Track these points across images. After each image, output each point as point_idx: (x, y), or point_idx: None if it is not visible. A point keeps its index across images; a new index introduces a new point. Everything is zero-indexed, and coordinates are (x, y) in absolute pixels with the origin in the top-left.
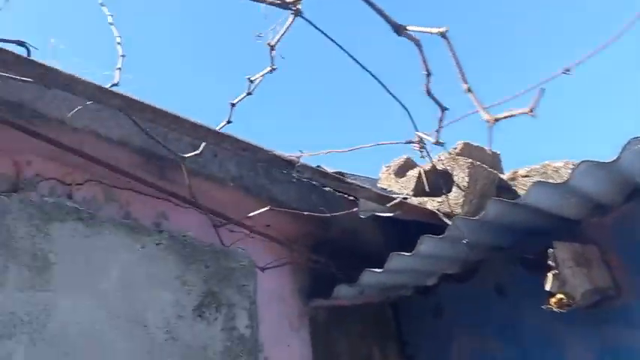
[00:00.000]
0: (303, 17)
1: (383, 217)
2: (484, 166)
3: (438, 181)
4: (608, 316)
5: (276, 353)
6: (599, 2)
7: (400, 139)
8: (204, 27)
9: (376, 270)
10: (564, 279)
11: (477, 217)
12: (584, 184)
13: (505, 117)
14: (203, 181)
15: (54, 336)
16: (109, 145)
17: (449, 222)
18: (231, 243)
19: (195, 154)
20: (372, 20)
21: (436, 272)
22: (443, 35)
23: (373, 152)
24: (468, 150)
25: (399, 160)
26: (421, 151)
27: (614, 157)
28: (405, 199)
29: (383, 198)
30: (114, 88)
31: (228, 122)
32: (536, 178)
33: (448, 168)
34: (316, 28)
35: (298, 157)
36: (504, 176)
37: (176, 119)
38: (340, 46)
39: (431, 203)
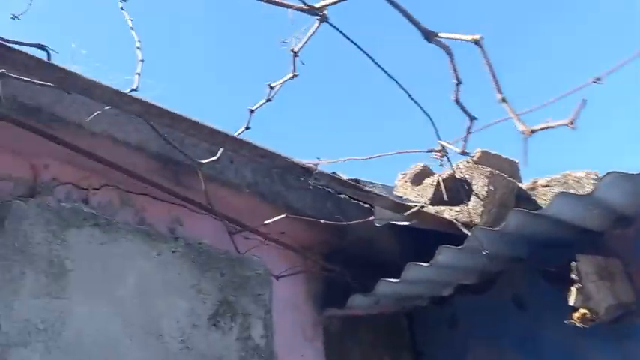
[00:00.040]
0: (328, 22)
1: (399, 225)
2: (503, 175)
3: (456, 190)
4: (629, 332)
5: None
6: (631, 10)
7: (418, 147)
8: (225, 32)
9: (392, 280)
10: (588, 293)
11: (497, 228)
12: (609, 196)
13: (542, 129)
14: (219, 187)
15: (69, 344)
16: (127, 149)
17: (468, 232)
18: (246, 250)
19: (213, 161)
20: (395, 25)
21: (452, 282)
22: (477, 43)
23: (389, 159)
24: (485, 158)
25: (415, 168)
26: (441, 160)
27: None
28: (422, 207)
29: (400, 207)
30: (133, 93)
31: (247, 128)
32: (556, 189)
33: (467, 177)
34: (342, 33)
35: (316, 165)
36: (524, 186)
37: (194, 125)
38: (365, 52)
39: (448, 212)
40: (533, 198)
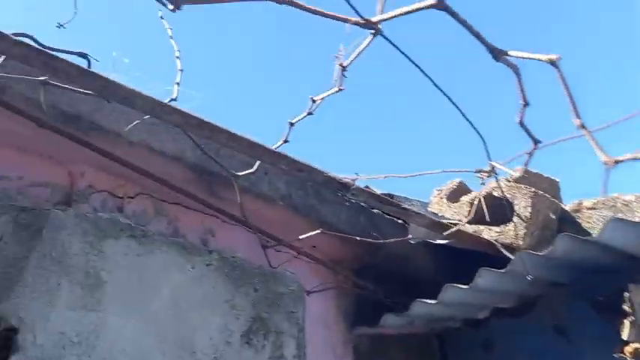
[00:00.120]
0: (383, 36)
1: (434, 243)
2: (547, 195)
3: (496, 210)
4: None
5: None
6: None
7: (453, 162)
8: (268, 44)
9: (428, 301)
10: None
11: (544, 253)
12: None
13: (629, 159)
14: (252, 198)
15: (102, 359)
16: (162, 159)
17: (510, 255)
18: (279, 265)
19: (250, 173)
20: (451, 40)
21: (489, 306)
22: (553, 63)
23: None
24: (525, 176)
25: (451, 184)
26: (483, 179)
27: None
28: (460, 226)
29: (438, 225)
30: (172, 103)
31: (285, 142)
32: (603, 212)
33: (509, 196)
34: (396, 48)
35: (353, 180)
36: (567, 207)
37: (233, 137)
38: (420, 68)
39: (487, 232)
40: (578, 220)
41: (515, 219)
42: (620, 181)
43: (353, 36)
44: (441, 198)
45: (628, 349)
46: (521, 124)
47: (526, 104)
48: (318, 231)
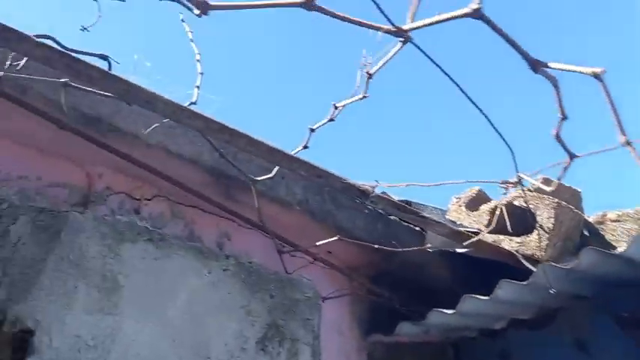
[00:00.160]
0: (413, 44)
1: (450, 251)
2: (570, 207)
3: (517, 219)
4: None
5: None
6: None
7: (471, 171)
8: (290, 48)
9: (445, 311)
10: None
11: (568, 267)
12: None
13: None
14: (268, 203)
15: None
16: (180, 162)
17: (531, 266)
18: (294, 270)
19: (268, 178)
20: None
21: (507, 317)
22: (597, 77)
23: (439, 180)
24: (547, 185)
25: (470, 192)
26: (506, 190)
27: None
28: (478, 235)
29: (458, 235)
30: (192, 107)
31: (305, 147)
32: (628, 224)
33: (531, 206)
34: (427, 56)
35: (373, 187)
36: (590, 218)
37: (252, 142)
38: (450, 77)
39: (508, 243)
40: (602, 233)
41: (537, 230)
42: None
43: (375, 41)
44: (460, 206)
45: None
46: (558, 137)
47: (564, 117)
48: (335, 238)
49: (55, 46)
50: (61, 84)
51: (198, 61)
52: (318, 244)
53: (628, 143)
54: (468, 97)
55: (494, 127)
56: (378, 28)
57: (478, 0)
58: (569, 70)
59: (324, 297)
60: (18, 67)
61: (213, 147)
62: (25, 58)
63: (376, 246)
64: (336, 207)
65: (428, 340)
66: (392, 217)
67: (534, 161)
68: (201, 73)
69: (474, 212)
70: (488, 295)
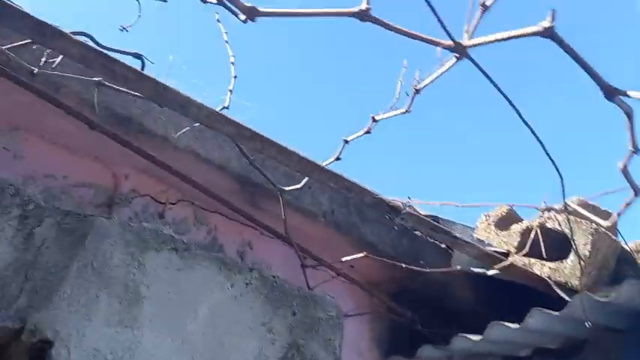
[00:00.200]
0: (472, 61)
1: (477, 272)
2: (608, 233)
3: (550, 243)
4: None
5: None
6: None
7: (502, 191)
8: (333, 56)
9: (471, 337)
10: None
11: (607, 300)
12: None
13: None
14: (293, 212)
15: None
16: (208, 167)
17: (564, 295)
18: (316, 285)
19: (296, 189)
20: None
21: (534, 345)
22: None
23: (467, 198)
24: (582, 209)
25: (499, 211)
26: (545, 213)
27: None
28: (510, 258)
29: (489, 258)
30: (224, 111)
31: (337, 159)
32: None
33: (567, 231)
34: (484, 74)
35: (405, 204)
36: (628, 246)
37: (283, 151)
38: (507, 97)
39: (539, 267)
40: (638, 262)
41: (572, 256)
42: None
43: (419, 53)
44: (489, 224)
45: None
46: (625, 170)
47: (635, 151)
48: (362, 254)
49: (90, 43)
50: (95, 83)
51: (232, 64)
52: (343, 259)
53: None
54: (522, 119)
55: (545, 151)
56: (437, 43)
57: (550, 18)
58: None
59: (346, 314)
60: (54, 65)
61: (243, 154)
62: (61, 56)
63: (403, 265)
64: (362, 220)
65: None
66: (418, 233)
67: (578, 184)
68: (235, 77)
69: (504, 232)
70: (515, 321)
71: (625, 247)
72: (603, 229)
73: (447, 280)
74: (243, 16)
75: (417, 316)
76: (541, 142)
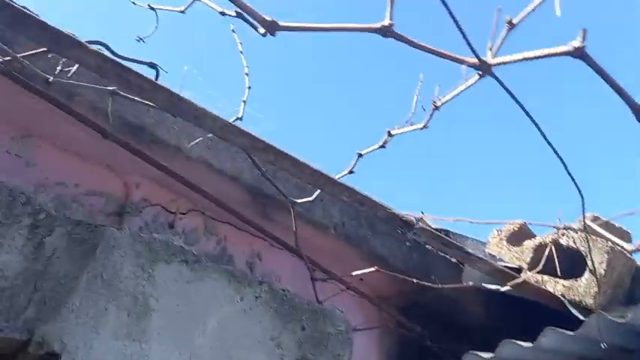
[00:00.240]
0: (496, 79)
1: (489, 288)
2: (624, 251)
3: (564, 260)
4: None
5: None
6: None
7: (515, 207)
8: (350, 68)
9: (483, 355)
10: None
11: (624, 321)
12: None
13: None
14: (304, 224)
15: None
16: (219, 177)
17: (579, 314)
18: (325, 299)
19: (308, 201)
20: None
21: None
22: None
23: (479, 213)
24: (601, 228)
25: (512, 226)
26: (563, 232)
27: None
28: (522, 274)
29: (502, 274)
30: (238, 122)
31: (350, 172)
32: None
33: (582, 249)
34: (510, 94)
35: (418, 219)
36: None
37: (296, 163)
38: (531, 117)
39: (553, 285)
40: None
41: (587, 274)
42: None
43: (436, 69)
44: (501, 239)
45: None
46: None
47: None
48: (373, 269)
49: (106, 52)
50: (109, 92)
51: (246, 74)
52: (354, 273)
53: None
54: (546, 139)
55: (567, 171)
56: (462, 61)
57: (580, 38)
58: None
59: (355, 328)
60: (69, 75)
61: (255, 166)
62: (77, 65)
63: (415, 280)
64: (372, 232)
65: None
66: (429, 247)
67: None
68: (249, 88)
69: (516, 247)
70: (527, 338)
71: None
72: (620, 248)
73: (457, 295)
74: (262, 30)
75: (427, 331)
76: (563, 162)
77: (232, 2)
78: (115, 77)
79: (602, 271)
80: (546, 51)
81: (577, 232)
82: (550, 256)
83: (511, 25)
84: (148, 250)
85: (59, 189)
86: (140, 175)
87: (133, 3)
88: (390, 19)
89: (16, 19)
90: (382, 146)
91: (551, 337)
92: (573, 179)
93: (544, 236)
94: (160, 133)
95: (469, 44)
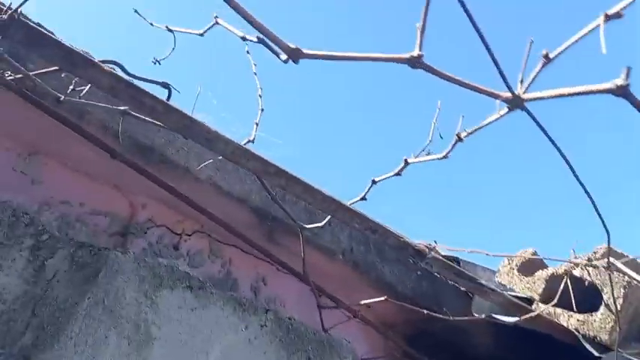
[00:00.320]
0: (529, 114)
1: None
2: None
3: (577, 293)
4: None
5: None
6: None
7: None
8: (366, 95)
9: None
10: None
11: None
12: None
13: None
14: (311, 249)
15: None
16: (227, 199)
17: (594, 351)
18: (331, 327)
19: (318, 227)
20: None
21: None
22: None
23: (490, 239)
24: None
25: (523, 255)
26: (577, 267)
27: None
28: (534, 306)
29: (515, 307)
30: (250, 145)
31: (362, 199)
32: None
33: (597, 282)
34: (542, 129)
35: (430, 249)
36: None
37: (308, 189)
38: (562, 153)
39: (566, 318)
40: None
41: (602, 309)
42: None
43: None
44: (512, 268)
45: None
46: None
47: None
48: (382, 298)
49: (119, 72)
50: (120, 112)
51: (259, 96)
52: (362, 302)
53: None
54: (576, 175)
55: (596, 210)
56: (494, 95)
57: (624, 76)
58: None
59: (361, 359)
60: (82, 94)
61: (266, 190)
62: (89, 85)
63: (425, 311)
64: (381, 259)
65: None
66: (437, 275)
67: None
68: (262, 110)
69: (527, 278)
70: None
71: None
72: (636, 283)
73: (467, 325)
74: (284, 57)
75: None
76: (591, 197)
77: (254, 27)
78: (129, 98)
79: (618, 306)
80: (585, 88)
81: (597, 268)
82: (564, 289)
83: (547, 60)
84: (152, 276)
85: (64, 208)
86: (147, 195)
87: (151, 24)
88: (420, 49)
89: (30, 37)
90: (398, 174)
91: None
92: (599, 213)
93: (557, 267)
94: (169, 154)
95: (503, 78)
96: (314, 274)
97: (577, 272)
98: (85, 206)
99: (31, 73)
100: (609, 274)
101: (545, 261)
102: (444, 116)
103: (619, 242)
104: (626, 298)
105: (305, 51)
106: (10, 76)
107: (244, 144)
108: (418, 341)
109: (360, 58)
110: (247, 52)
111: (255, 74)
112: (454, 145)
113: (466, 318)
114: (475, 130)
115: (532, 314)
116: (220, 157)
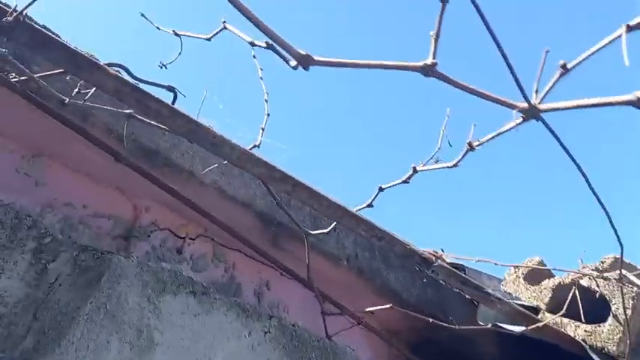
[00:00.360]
0: (544, 124)
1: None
2: None
3: (585, 304)
4: None
5: None
6: None
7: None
8: (376, 103)
9: None
10: None
11: None
12: None
13: None
14: (316, 255)
15: None
16: (232, 204)
17: None
18: (335, 333)
19: (323, 233)
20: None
21: None
22: None
23: (497, 249)
24: (617, 268)
25: (529, 263)
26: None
27: None
28: (540, 316)
29: (521, 316)
30: (255, 150)
31: (369, 206)
32: None
33: (606, 293)
34: (558, 140)
35: (437, 257)
36: None
37: (314, 195)
38: (578, 165)
39: (572, 328)
40: None
41: (610, 320)
42: None
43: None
44: (518, 277)
45: None
46: None
47: None
48: (388, 306)
49: (125, 76)
50: (126, 115)
51: (265, 101)
52: (367, 309)
53: None
54: (592, 188)
55: (611, 223)
56: (510, 105)
57: None
58: None
59: None
60: (86, 97)
61: (271, 195)
62: (94, 88)
63: (430, 319)
64: (386, 265)
65: None
66: (442, 283)
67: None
68: (268, 115)
69: (534, 287)
70: None
71: None
72: None
73: (472, 334)
74: (293, 63)
75: None
76: (606, 210)
77: (264, 33)
78: (134, 102)
79: (628, 318)
80: (604, 99)
81: (608, 280)
82: (578, 303)
83: (565, 70)
84: (155, 281)
85: (67, 210)
86: (151, 198)
87: (158, 28)
88: (434, 57)
89: (35, 39)
90: (405, 182)
91: None
92: (614, 227)
93: (564, 276)
94: (174, 158)
95: (520, 88)
96: (318, 280)
97: (584, 282)
98: (88, 209)
99: (35, 76)
100: (620, 286)
101: (551, 270)
102: (452, 124)
103: (629, 254)
104: (635, 309)
105: (316, 58)
106: (15, 78)
107: (250, 149)
108: (423, 349)
109: (372, 65)
110: (254, 56)
111: (262, 79)
112: (465, 153)
113: (472, 327)
114: (488, 139)
115: (539, 324)
116: (225, 162)
